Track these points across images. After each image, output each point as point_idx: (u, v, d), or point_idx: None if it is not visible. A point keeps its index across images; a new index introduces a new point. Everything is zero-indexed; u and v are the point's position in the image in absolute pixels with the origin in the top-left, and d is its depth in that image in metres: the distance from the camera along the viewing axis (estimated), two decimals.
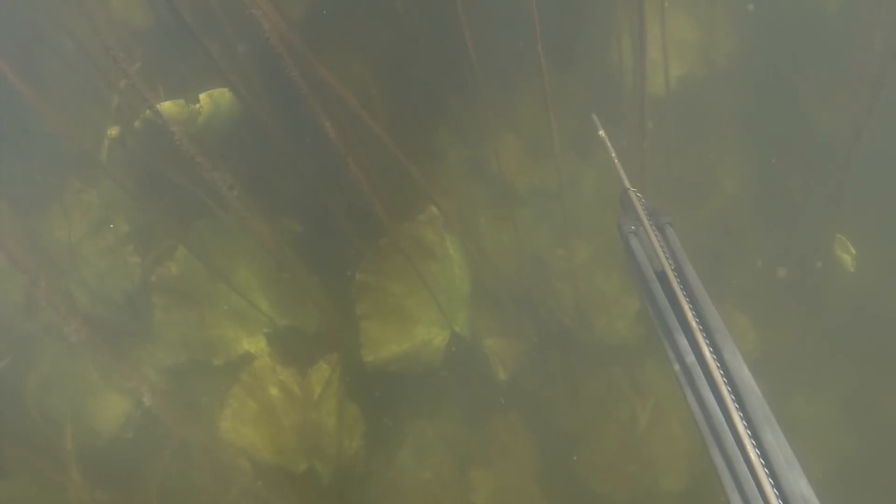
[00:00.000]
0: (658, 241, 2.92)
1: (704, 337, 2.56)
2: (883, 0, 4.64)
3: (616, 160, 3.39)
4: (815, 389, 5.86)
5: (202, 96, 4.26)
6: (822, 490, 2.06)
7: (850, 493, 5.32)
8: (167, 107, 4.01)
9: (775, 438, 2.36)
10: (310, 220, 5.21)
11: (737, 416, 2.31)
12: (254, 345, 5.14)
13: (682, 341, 2.65)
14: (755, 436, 2.30)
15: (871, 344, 5.48)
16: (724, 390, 2.36)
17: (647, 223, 3.00)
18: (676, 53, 5.96)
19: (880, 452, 5.55)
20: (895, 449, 5.51)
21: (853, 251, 5.35)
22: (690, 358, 2.59)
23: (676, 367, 2.65)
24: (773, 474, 2.16)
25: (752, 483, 2.15)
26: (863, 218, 5.45)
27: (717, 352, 2.57)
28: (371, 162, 4.56)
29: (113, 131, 4.30)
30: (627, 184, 3.25)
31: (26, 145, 5.39)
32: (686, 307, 2.66)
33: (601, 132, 3.62)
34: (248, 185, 4.76)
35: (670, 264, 2.82)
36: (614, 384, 5.50)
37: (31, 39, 5.34)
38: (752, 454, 2.20)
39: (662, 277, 2.85)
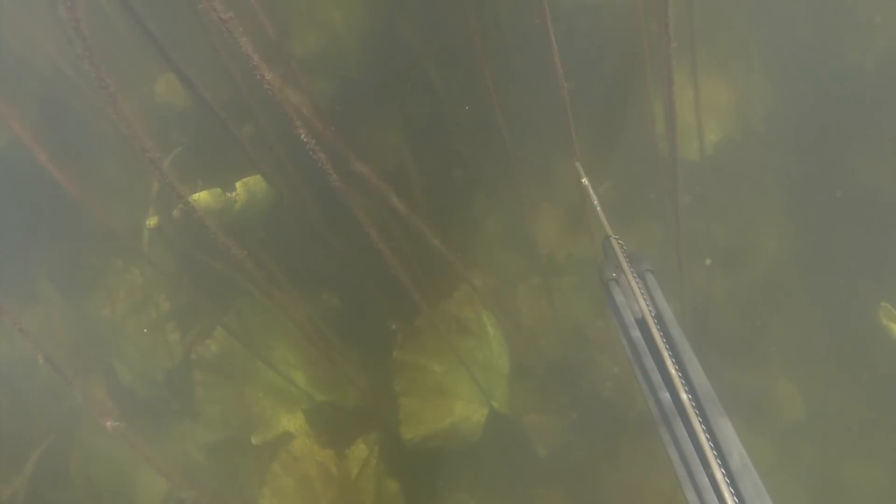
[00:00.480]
0: (639, 287, 2.90)
1: (686, 390, 2.51)
2: None
3: (598, 207, 3.37)
4: (866, 456, 5.70)
5: (238, 184, 4.33)
6: None
7: None
8: (203, 197, 4.08)
9: (754, 488, 2.33)
10: (347, 298, 5.24)
11: (715, 465, 2.27)
12: (292, 421, 5.16)
13: (665, 396, 2.61)
14: (732, 483, 2.27)
15: None
16: (707, 446, 2.33)
17: (627, 270, 2.99)
18: (713, 118, 5.93)
19: None
20: None
21: None
22: (671, 409, 2.55)
23: (657, 418, 2.61)
24: None
25: None
26: None
27: (699, 408, 2.52)
28: (407, 243, 4.57)
29: (152, 221, 4.38)
30: (609, 231, 3.24)
31: (70, 226, 5.52)
32: (666, 354, 2.63)
33: (584, 180, 3.61)
34: (284, 266, 4.83)
35: (651, 311, 2.80)
36: (657, 456, 5.40)
37: (71, 124, 5.48)
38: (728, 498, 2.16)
39: (643, 324, 2.83)
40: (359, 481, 4.80)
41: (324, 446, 4.89)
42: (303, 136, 3.18)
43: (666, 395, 2.59)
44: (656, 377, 2.67)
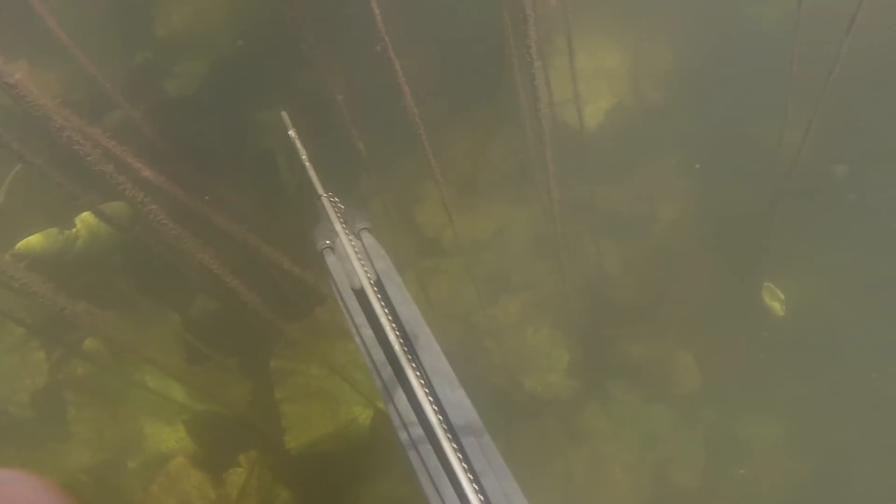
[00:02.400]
0: (356, 249, 2.68)
1: (410, 359, 2.37)
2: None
3: (307, 163, 3.10)
4: (758, 414, 5.79)
5: (77, 220, 3.99)
6: None
7: None
8: (34, 241, 3.76)
9: (478, 442, 2.25)
10: (222, 304, 4.99)
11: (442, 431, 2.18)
12: (173, 435, 4.97)
13: (381, 357, 2.46)
14: (455, 439, 2.19)
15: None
16: (435, 419, 2.21)
17: (342, 231, 2.75)
18: (605, 84, 5.73)
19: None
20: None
21: (782, 297, 5.23)
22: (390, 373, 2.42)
23: (380, 386, 2.47)
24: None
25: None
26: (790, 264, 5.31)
27: (416, 360, 2.40)
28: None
29: None
30: (321, 190, 2.98)
31: None
32: (382, 315, 2.45)
33: (291, 132, 3.36)
34: (147, 281, 4.55)
35: (368, 275, 2.60)
36: (548, 437, 5.40)
37: None
38: (454, 459, 2.08)
39: (361, 292, 2.61)
40: (241, 500, 4.67)
41: (203, 465, 4.72)
42: (129, 193, 2.88)
43: (389, 371, 2.42)
44: (379, 355, 2.48)
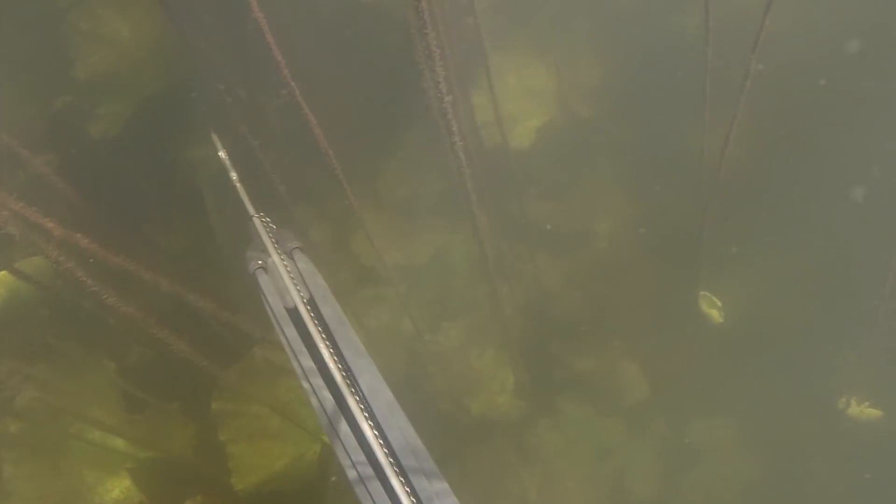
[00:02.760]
0: (288, 269, 2.67)
1: (343, 373, 2.36)
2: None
3: (238, 184, 3.08)
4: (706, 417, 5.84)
5: None
6: None
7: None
8: None
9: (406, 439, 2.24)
10: (158, 350, 4.90)
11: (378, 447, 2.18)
12: (117, 484, 4.86)
13: (319, 381, 2.45)
14: (398, 464, 2.19)
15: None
16: (366, 426, 2.21)
17: (273, 250, 2.74)
18: (534, 103, 5.79)
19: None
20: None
21: (719, 304, 5.31)
22: (327, 394, 2.40)
23: (315, 404, 2.46)
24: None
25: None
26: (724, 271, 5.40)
27: (354, 384, 2.38)
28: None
29: None
30: (252, 210, 2.97)
31: None
32: (318, 337, 2.45)
33: (221, 153, 3.36)
34: (77, 331, 4.47)
35: (301, 294, 2.59)
36: (500, 458, 5.39)
37: None
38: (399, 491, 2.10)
39: (295, 312, 2.61)
40: None
41: None
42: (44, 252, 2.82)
43: (328, 395, 2.41)
44: (317, 381, 2.46)
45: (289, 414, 4.75)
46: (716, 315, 5.34)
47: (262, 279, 2.74)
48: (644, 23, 6.10)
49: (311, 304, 2.61)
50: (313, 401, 2.49)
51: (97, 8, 5.17)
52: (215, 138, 3.34)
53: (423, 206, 5.75)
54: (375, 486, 2.20)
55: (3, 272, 4.05)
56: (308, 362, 2.52)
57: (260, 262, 2.80)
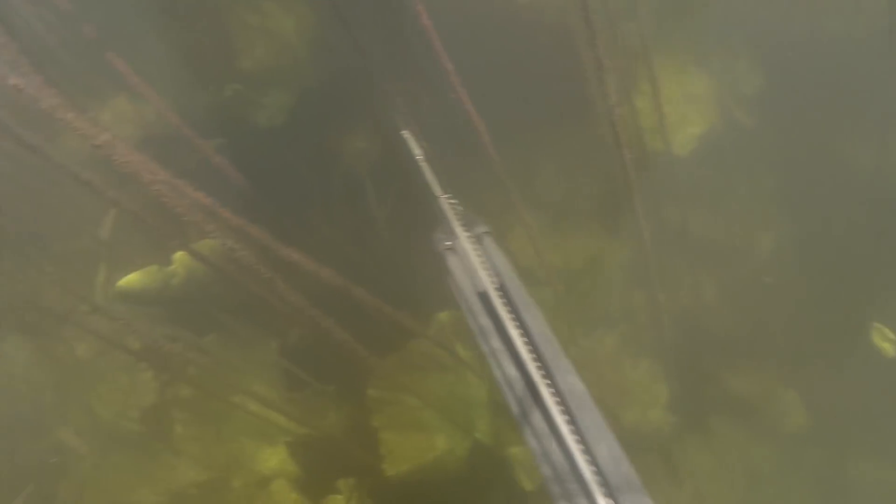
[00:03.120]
0: (477, 252, 2.60)
1: (533, 357, 2.29)
2: None
3: (423, 163, 2.99)
4: (870, 457, 5.51)
5: (175, 257, 4.12)
6: None
7: None
8: (134, 279, 3.91)
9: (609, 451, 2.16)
10: (318, 335, 5.06)
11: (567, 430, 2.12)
12: (274, 455, 5.07)
13: (512, 371, 2.40)
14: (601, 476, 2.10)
15: None
16: (556, 411, 2.15)
17: (462, 233, 2.67)
18: (694, 110, 5.60)
19: None
20: None
21: (892, 337, 4.96)
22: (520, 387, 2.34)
23: (509, 398, 2.40)
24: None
25: None
26: None
27: (546, 370, 2.32)
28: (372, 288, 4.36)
29: (102, 278, 4.23)
30: (439, 191, 2.90)
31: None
32: (511, 325, 2.39)
33: (404, 132, 3.26)
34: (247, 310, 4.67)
35: (492, 280, 2.52)
36: (648, 474, 5.25)
37: None
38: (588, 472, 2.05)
39: (485, 296, 2.54)
40: None
41: (303, 489, 4.79)
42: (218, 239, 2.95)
43: (521, 389, 2.37)
44: (510, 370, 2.42)
45: (442, 408, 4.80)
46: (889, 349, 5.00)
47: (451, 260, 2.73)
48: (807, 29, 5.78)
49: (502, 289, 2.58)
50: (505, 392, 2.46)
51: (263, 2, 5.36)
52: (398, 118, 3.34)
53: (581, 208, 5.66)
54: (571, 486, 2.16)
55: (181, 253, 4.25)
56: (500, 350, 2.50)
57: (448, 243, 2.78)
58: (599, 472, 2.12)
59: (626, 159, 4.63)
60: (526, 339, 2.42)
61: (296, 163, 5.49)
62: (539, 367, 2.30)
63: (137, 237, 4.57)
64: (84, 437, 5.38)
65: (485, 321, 2.57)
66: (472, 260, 2.62)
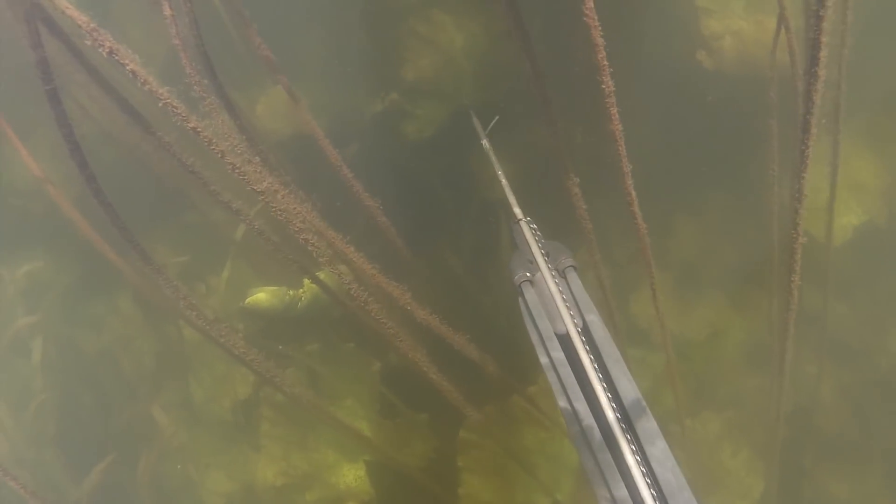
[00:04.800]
0: (559, 288, 2.34)
1: (616, 413, 2.11)
2: None
3: (503, 180, 2.75)
4: None
5: (306, 282, 4.10)
6: None
7: None
8: (261, 298, 3.92)
9: None
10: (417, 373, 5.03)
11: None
12: (352, 472, 5.09)
13: (589, 421, 2.19)
14: None
15: None
16: (639, 476, 1.95)
17: (544, 264, 2.40)
18: (854, 198, 5.24)
19: None
20: None
21: None
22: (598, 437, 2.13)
23: (582, 451, 2.20)
24: None
25: None
26: None
27: (631, 432, 2.11)
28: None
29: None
30: (520, 213, 2.66)
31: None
32: (593, 373, 2.18)
33: (484, 142, 3.01)
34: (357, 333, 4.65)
35: (574, 319, 2.29)
36: None
37: None
38: None
39: (565, 337, 2.30)
40: None
41: None
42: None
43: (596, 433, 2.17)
44: (585, 413, 2.21)
45: (530, 462, 4.71)
46: None
47: (528, 294, 2.47)
48: None
49: (585, 332, 2.34)
50: (580, 448, 2.25)
51: (436, 13, 5.21)
52: (476, 123, 3.09)
53: (711, 276, 5.41)
54: None
55: (307, 279, 4.25)
56: (576, 391, 2.28)
57: (528, 273, 2.52)
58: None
59: (775, 236, 4.41)
60: (607, 389, 2.19)
61: (434, 179, 5.39)
62: (623, 428, 2.08)
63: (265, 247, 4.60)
64: (172, 414, 5.52)
65: (561, 362, 2.34)
66: (555, 297, 2.35)
